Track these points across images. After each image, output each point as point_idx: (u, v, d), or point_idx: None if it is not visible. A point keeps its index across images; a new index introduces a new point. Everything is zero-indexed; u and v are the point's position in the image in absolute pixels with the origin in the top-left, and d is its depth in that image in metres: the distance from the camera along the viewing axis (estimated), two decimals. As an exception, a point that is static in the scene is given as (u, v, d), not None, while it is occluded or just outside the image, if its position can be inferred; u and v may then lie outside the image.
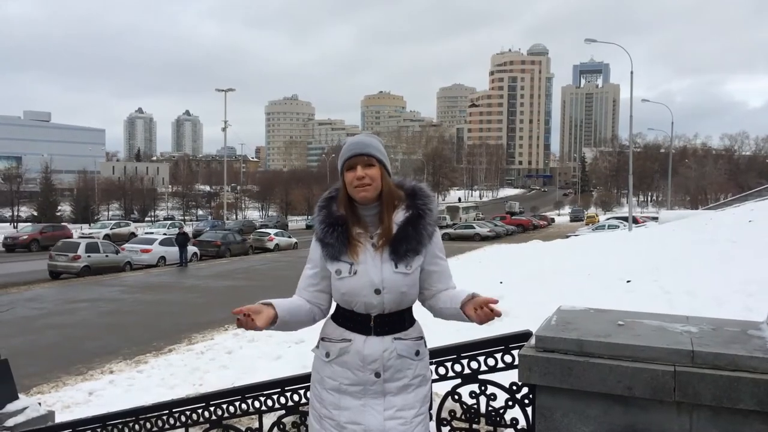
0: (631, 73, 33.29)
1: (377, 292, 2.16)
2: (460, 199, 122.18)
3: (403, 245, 2.18)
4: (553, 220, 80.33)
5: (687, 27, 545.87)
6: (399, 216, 2.22)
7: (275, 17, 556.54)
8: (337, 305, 2.29)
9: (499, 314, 2.07)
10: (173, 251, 28.12)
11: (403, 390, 2.20)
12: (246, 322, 2.08)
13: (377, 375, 2.17)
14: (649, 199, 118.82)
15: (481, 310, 2.09)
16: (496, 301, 2.09)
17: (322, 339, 2.31)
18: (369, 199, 2.20)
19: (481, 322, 2.13)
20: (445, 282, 2.31)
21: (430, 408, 2.67)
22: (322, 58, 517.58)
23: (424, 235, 2.21)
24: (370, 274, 2.17)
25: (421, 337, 2.30)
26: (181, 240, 28.13)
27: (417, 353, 2.25)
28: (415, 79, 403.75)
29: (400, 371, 2.20)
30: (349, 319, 2.23)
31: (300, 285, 2.34)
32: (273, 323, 2.15)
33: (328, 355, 2.24)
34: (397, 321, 2.22)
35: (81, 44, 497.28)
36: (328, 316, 2.34)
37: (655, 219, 41.57)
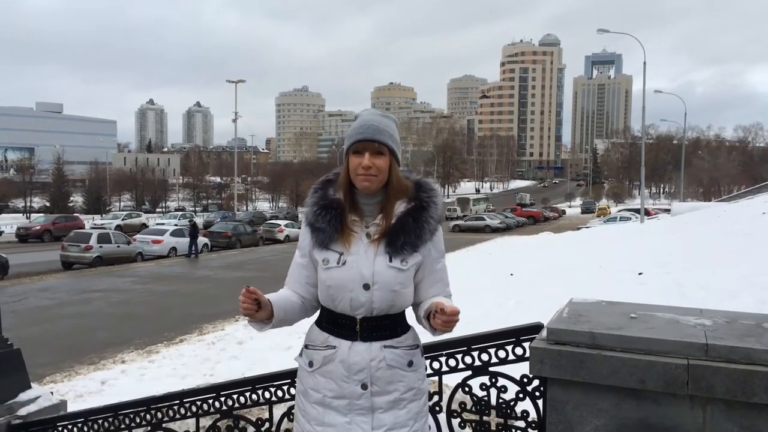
0: (644, 63, 33.05)
1: (366, 287, 1.95)
2: (478, 190, 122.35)
3: (401, 237, 1.97)
4: (564, 212, 79.90)
5: (711, 18, 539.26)
6: (400, 207, 2.02)
7: (296, 8, 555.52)
8: (321, 308, 2.09)
9: (453, 319, 1.86)
10: (184, 242, 28.28)
11: (394, 405, 1.99)
12: (250, 308, 1.92)
13: (364, 387, 1.96)
14: (661, 191, 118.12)
15: (436, 318, 1.89)
16: (445, 310, 1.85)
17: (305, 346, 2.11)
18: (371, 190, 2.00)
19: (436, 332, 1.95)
20: (439, 288, 2.09)
21: (440, 400, 2.67)
22: (339, 50, 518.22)
23: (425, 229, 2.00)
24: (360, 265, 1.96)
25: (417, 346, 2.09)
26: (192, 231, 28.28)
27: (410, 364, 2.03)
28: (431, 71, 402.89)
29: (390, 383, 1.98)
30: (333, 322, 2.02)
31: (291, 275, 2.15)
32: (269, 321, 2.00)
33: (311, 364, 2.05)
34: (388, 326, 2.01)
35: (101, 37, 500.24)
36: (312, 321, 2.15)
37: (667, 211, 41.34)
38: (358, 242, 2.00)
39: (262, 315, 1.96)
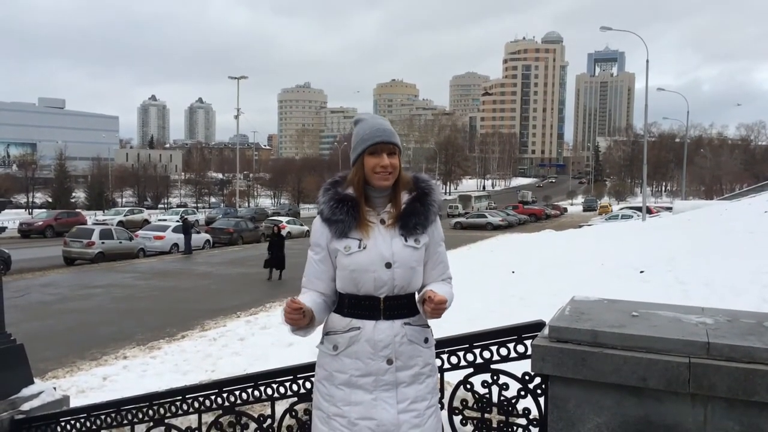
0: (647, 61, 32.98)
1: (388, 266, 2.14)
2: (484, 188, 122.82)
3: (412, 219, 2.19)
4: (565, 209, 79.83)
5: (720, 14, 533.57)
6: (405, 196, 2.24)
7: (304, 5, 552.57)
8: (341, 296, 2.24)
9: (441, 307, 2.05)
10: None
11: (415, 380, 2.16)
12: (297, 317, 2.07)
13: (389, 362, 2.12)
14: (663, 189, 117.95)
15: (425, 305, 2.08)
16: (433, 299, 2.05)
17: (326, 333, 2.25)
18: (388, 187, 2.20)
19: (427, 316, 2.14)
20: (441, 270, 2.30)
21: (442, 397, 2.67)
22: (345, 47, 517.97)
23: (431, 211, 2.23)
24: (381, 248, 2.15)
25: (428, 325, 2.27)
26: (184, 228, 28.09)
27: (426, 340, 2.23)
28: (434, 68, 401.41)
29: (411, 358, 2.16)
30: (356, 305, 2.18)
31: (309, 274, 2.29)
32: (311, 326, 2.18)
33: (335, 347, 2.18)
34: (406, 305, 2.19)
35: (105, 33, 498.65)
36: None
37: (669, 209, 41.27)
38: (375, 229, 2.20)
39: (305, 322, 2.13)
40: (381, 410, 2.11)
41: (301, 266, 2.40)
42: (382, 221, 2.20)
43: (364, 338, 2.14)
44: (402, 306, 2.18)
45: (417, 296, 2.23)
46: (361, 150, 2.21)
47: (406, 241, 2.17)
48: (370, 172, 2.19)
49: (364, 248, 2.15)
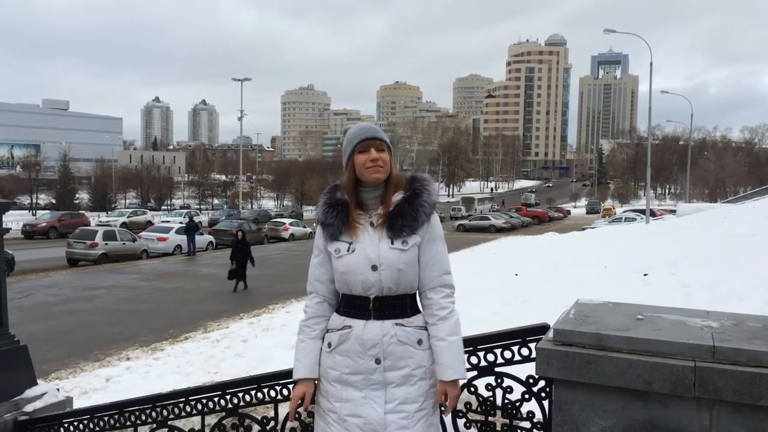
0: (651, 64, 32.99)
1: (374, 268, 2.17)
2: (492, 190, 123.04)
3: (399, 220, 2.19)
4: (569, 212, 79.70)
5: (730, 17, 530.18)
6: (397, 197, 2.25)
7: (312, 5, 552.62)
8: (340, 296, 2.31)
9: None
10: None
11: (406, 381, 2.18)
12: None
13: (377, 361, 2.16)
14: (667, 191, 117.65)
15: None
16: (449, 407, 2.28)
17: (326, 331, 2.33)
18: (380, 181, 2.23)
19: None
20: (436, 271, 2.25)
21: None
22: (352, 49, 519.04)
23: (420, 212, 2.21)
24: (367, 250, 2.19)
25: (425, 328, 2.26)
26: (187, 229, 28.05)
27: (419, 342, 2.22)
28: (439, 69, 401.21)
29: (401, 359, 2.18)
30: (349, 305, 2.25)
31: (312, 278, 2.36)
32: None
33: (329, 345, 2.26)
34: (398, 306, 2.21)
35: (112, 35, 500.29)
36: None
37: (673, 212, 41.22)
38: (364, 231, 2.23)
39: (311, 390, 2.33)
40: (369, 408, 2.15)
41: (303, 267, 2.43)
42: (372, 223, 2.23)
43: (354, 336, 2.20)
44: (393, 306, 2.21)
45: (420, 305, 2.29)
46: (350, 150, 2.28)
47: (392, 243, 2.19)
48: (361, 169, 2.23)
49: (353, 251, 2.21)
